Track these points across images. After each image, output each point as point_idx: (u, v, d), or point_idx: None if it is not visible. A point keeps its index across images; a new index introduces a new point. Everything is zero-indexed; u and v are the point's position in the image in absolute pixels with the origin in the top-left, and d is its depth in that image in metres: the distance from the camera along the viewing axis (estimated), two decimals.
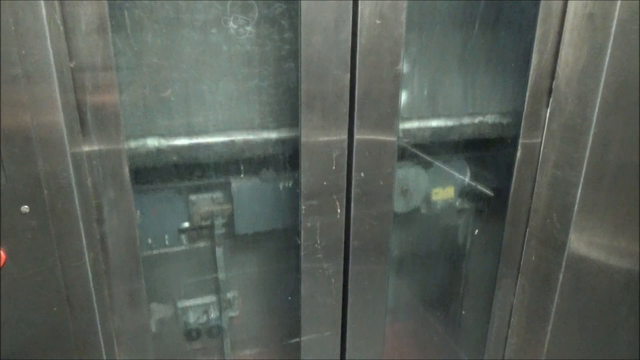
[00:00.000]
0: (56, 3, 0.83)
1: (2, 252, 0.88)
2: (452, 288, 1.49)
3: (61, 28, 0.85)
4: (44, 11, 0.79)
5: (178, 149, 1.07)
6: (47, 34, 0.80)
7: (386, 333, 1.32)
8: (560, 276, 1.21)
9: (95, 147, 0.94)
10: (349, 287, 1.21)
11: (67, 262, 0.92)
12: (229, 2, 1.00)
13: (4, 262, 0.88)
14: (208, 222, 1.14)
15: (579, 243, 1.18)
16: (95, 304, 0.97)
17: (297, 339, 1.26)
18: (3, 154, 0.83)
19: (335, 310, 1.23)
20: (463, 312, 1.50)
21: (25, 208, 0.86)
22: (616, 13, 1.01)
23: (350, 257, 1.18)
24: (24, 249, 0.89)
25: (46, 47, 0.80)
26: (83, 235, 0.92)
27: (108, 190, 0.98)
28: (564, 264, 1.20)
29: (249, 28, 1.02)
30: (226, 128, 1.10)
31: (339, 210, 1.13)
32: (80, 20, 0.86)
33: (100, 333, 0.99)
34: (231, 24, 1.01)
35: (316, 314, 1.22)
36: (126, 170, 0.97)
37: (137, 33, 0.97)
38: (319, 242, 1.14)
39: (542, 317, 1.28)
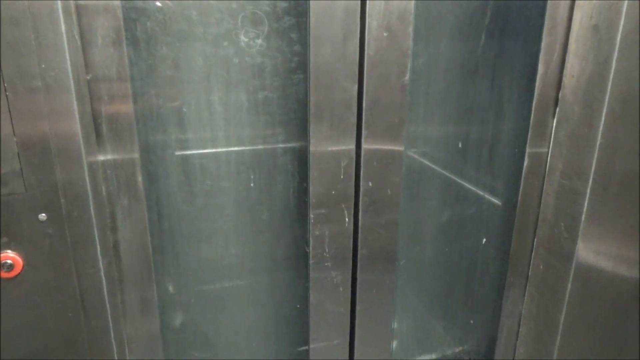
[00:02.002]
0: (74, 18, 0.86)
1: (19, 259, 0.90)
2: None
3: (79, 42, 0.88)
4: (63, 27, 0.82)
5: None
6: (66, 48, 0.83)
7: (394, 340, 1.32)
8: (569, 285, 1.21)
9: (110, 157, 0.97)
10: (357, 295, 1.22)
11: (82, 268, 0.95)
12: (240, 15, 1.02)
13: (22, 269, 0.91)
14: None
15: (586, 252, 1.18)
16: (108, 310, 0.99)
17: (305, 347, 1.27)
18: (23, 163, 0.86)
19: (343, 318, 1.24)
20: (471, 321, 1.50)
21: (42, 216, 0.89)
22: (621, 24, 1.02)
23: (359, 265, 1.19)
24: (41, 255, 0.91)
25: (65, 61, 0.83)
26: (97, 242, 0.94)
27: (122, 198, 1.00)
28: (572, 273, 1.20)
29: (259, 41, 1.05)
30: (236, 140, 1.12)
31: (347, 219, 1.14)
32: (96, 34, 0.90)
33: (113, 338, 1.01)
34: (242, 37, 1.04)
35: (325, 321, 1.23)
36: (139, 178, 1.00)
37: (151, 46, 1.00)
38: (327, 250, 1.15)
39: (550, 326, 1.28)
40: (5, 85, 0.81)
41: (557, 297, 1.24)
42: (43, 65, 0.82)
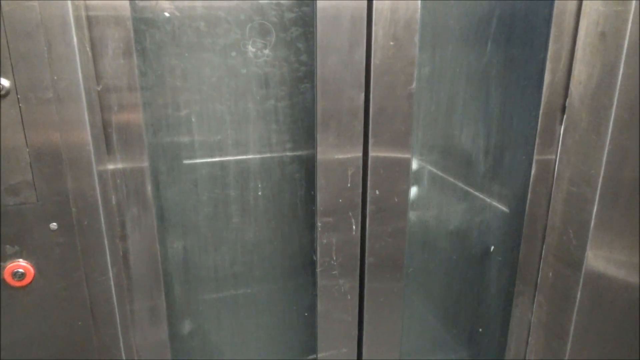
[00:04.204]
0: (85, 30, 0.88)
1: (31, 268, 0.91)
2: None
3: (90, 54, 0.90)
4: (74, 39, 0.83)
5: None
6: (78, 60, 0.84)
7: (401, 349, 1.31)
8: (578, 293, 1.20)
9: (120, 166, 0.98)
10: (365, 303, 1.22)
11: (92, 277, 0.95)
12: (248, 26, 1.04)
13: (33, 278, 0.92)
14: None
15: (596, 260, 1.17)
16: (117, 318, 0.99)
17: (313, 356, 1.27)
18: (35, 173, 0.87)
19: (351, 327, 1.24)
20: (480, 330, 1.49)
21: (54, 225, 0.90)
22: (628, 31, 1.02)
23: (366, 273, 1.19)
24: (51, 264, 0.92)
25: (76, 72, 0.85)
26: (107, 251, 0.95)
27: (131, 207, 1.01)
28: (581, 281, 1.19)
29: (266, 51, 1.06)
30: (244, 149, 1.13)
31: (354, 227, 1.14)
32: (107, 45, 0.91)
33: (122, 347, 1.01)
34: (250, 48, 1.05)
35: (332, 330, 1.22)
36: (148, 187, 1.01)
37: (160, 57, 1.01)
38: (334, 258, 1.16)
39: (560, 334, 1.26)
40: (19, 96, 0.83)
41: (567, 305, 1.23)
42: (55, 77, 0.84)
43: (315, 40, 0.98)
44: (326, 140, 1.06)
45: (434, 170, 1.30)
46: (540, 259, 1.30)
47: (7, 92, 0.82)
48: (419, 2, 1.01)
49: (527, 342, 1.37)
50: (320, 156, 1.07)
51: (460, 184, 1.33)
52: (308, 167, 1.17)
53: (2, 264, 0.90)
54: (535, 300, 1.32)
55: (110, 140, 0.96)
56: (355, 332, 1.25)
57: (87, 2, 0.88)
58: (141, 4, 0.96)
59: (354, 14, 0.98)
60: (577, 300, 1.20)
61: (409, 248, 1.33)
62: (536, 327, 1.34)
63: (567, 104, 1.17)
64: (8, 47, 0.80)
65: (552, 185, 1.24)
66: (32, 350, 0.96)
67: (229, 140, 1.11)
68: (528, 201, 1.26)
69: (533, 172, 1.23)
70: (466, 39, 1.19)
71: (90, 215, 0.92)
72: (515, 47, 1.22)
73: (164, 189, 1.10)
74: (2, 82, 0.81)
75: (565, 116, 1.18)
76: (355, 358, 1.28)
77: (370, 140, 1.08)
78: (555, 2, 1.10)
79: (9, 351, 0.96)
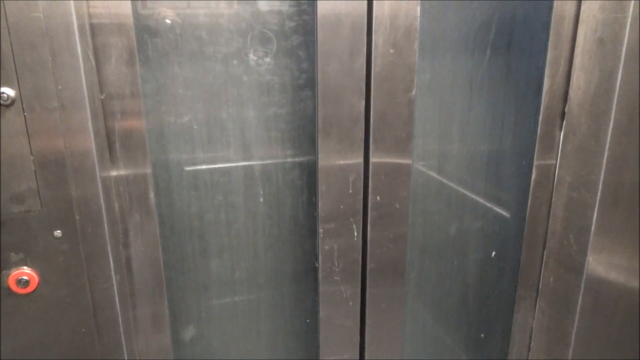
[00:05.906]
0: (89, 38, 0.89)
1: (35, 275, 0.92)
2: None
3: (93, 62, 0.91)
4: (78, 48, 0.85)
5: None
6: (82, 69, 0.85)
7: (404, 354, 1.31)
8: (580, 298, 1.20)
9: (123, 172, 0.99)
10: (367, 309, 1.22)
11: (95, 284, 0.96)
12: (249, 35, 1.05)
13: (37, 285, 0.92)
14: None
15: (597, 265, 1.17)
16: (120, 325, 1.00)
17: None
18: (39, 181, 0.88)
19: (353, 333, 1.24)
20: (482, 335, 1.49)
21: (58, 232, 0.91)
22: (626, 38, 1.03)
23: (368, 279, 1.19)
24: (55, 271, 0.93)
25: (80, 81, 0.86)
26: (110, 258, 0.96)
27: (134, 214, 1.02)
28: (582, 286, 1.19)
29: (268, 59, 1.07)
30: (246, 156, 1.14)
31: (355, 233, 1.15)
32: (110, 54, 0.92)
33: (125, 353, 1.02)
34: (251, 56, 1.06)
35: (334, 336, 1.22)
36: (151, 194, 1.02)
37: (163, 65, 1.02)
38: (336, 264, 1.16)
39: (562, 339, 1.26)
40: (23, 105, 0.84)
41: (569, 310, 1.23)
42: (59, 86, 0.85)
43: (316, 48, 0.99)
44: (327, 146, 1.06)
45: (435, 175, 1.30)
46: (542, 264, 1.30)
47: (12, 102, 0.83)
48: (419, 9, 1.02)
49: (529, 348, 1.37)
50: (321, 162, 1.07)
51: (461, 190, 1.34)
52: (309, 173, 1.18)
53: (6, 271, 0.90)
54: (537, 305, 1.32)
55: (113, 148, 0.97)
56: (357, 338, 1.25)
57: (91, 11, 0.89)
58: (144, 12, 0.97)
59: (354, 22, 1.00)
60: (579, 305, 1.20)
61: (411, 253, 1.33)
62: (538, 332, 1.34)
63: (566, 110, 1.18)
64: (13, 56, 0.82)
65: (552, 191, 1.24)
66: (36, 356, 0.97)
67: (230, 147, 1.12)
68: (529, 206, 1.26)
69: (533, 177, 1.24)
70: (465, 45, 1.20)
71: (94, 223, 0.93)
72: (514, 53, 1.22)
73: (167, 196, 1.11)
74: (7, 92, 0.82)
75: (564, 122, 1.19)
76: None
77: (371, 147, 1.09)
78: (554, 7, 1.12)
79: (14, 357, 0.96)
